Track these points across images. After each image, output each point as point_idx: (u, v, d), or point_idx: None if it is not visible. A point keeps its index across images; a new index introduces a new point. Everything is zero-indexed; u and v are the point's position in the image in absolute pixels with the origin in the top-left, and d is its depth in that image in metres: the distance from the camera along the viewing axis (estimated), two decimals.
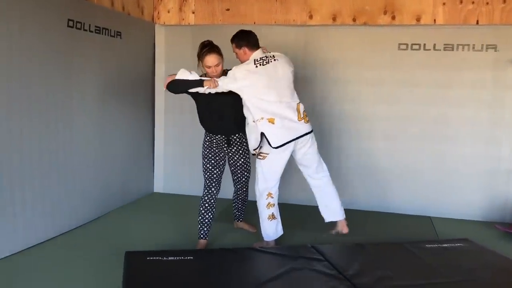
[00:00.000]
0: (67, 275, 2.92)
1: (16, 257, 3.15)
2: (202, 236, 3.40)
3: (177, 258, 2.90)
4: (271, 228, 3.35)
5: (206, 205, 3.37)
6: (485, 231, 4.02)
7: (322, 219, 3.46)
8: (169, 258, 2.89)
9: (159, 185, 5.12)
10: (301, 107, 3.25)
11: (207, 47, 3.19)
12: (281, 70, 3.22)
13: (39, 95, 3.36)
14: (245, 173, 3.61)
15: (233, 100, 3.23)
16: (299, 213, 4.31)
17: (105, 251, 3.30)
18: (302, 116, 3.22)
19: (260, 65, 3.16)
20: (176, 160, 5.01)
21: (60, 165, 3.61)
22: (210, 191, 3.37)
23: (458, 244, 3.30)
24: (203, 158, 3.44)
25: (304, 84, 4.59)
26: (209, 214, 3.38)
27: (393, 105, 4.49)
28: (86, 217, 3.94)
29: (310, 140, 3.29)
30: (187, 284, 2.63)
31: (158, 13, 4.99)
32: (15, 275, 2.88)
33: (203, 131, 3.51)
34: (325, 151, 4.20)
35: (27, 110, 3.25)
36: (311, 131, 3.29)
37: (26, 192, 3.28)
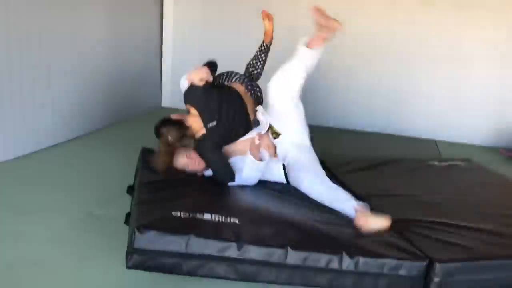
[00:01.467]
0: (78, 175, 3.03)
1: (33, 156, 3.25)
2: None
3: None
4: None
5: None
6: (490, 155, 4.04)
7: None
8: None
9: (167, 100, 5.13)
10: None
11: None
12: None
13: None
14: None
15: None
16: None
17: (112, 155, 3.41)
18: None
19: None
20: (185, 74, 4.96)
21: (68, 73, 3.65)
22: None
23: (460, 163, 3.32)
24: None
25: None
26: None
27: (408, 25, 4.34)
28: (93, 126, 4.01)
29: None
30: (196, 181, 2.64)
31: None
32: (31, 174, 2.97)
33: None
34: (335, 75, 4.14)
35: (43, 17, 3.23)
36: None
37: (36, 97, 3.35)
